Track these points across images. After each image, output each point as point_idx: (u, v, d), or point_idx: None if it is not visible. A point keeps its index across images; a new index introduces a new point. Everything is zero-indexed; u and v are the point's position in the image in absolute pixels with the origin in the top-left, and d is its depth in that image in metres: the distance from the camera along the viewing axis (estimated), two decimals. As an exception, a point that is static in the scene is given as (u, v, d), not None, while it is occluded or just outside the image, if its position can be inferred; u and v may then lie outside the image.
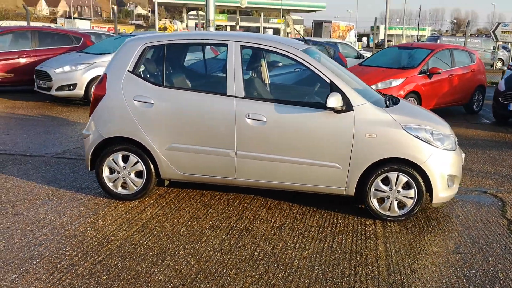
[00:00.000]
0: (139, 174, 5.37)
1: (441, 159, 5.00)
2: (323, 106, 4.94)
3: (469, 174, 6.99)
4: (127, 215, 5.03)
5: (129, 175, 5.35)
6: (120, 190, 5.41)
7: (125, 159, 5.35)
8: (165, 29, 43.71)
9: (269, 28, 68.27)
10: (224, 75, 5.23)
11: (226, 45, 5.25)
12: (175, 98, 5.20)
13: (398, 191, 5.05)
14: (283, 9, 62.90)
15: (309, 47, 5.64)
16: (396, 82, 10.92)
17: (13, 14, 36.38)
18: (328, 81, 5.05)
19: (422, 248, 4.51)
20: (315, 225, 4.97)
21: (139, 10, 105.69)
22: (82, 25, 46.06)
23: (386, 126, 4.98)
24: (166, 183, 5.57)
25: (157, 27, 43.85)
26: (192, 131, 5.17)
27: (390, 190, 5.06)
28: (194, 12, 59.55)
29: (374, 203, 5.13)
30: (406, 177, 5.01)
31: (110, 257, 4.07)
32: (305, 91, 5.99)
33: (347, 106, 4.97)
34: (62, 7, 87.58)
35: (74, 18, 57.26)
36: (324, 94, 4.99)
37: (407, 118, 5.07)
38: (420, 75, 11.30)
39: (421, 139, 4.95)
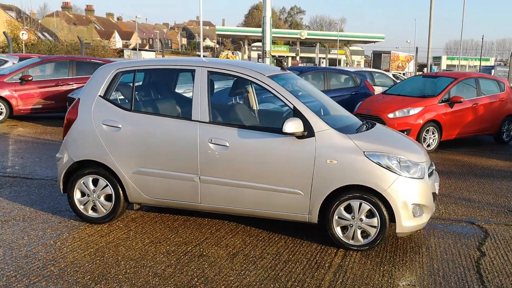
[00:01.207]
0: (108, 198, 5.37)
1: (405, 187, 4.72)
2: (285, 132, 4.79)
3: (465, 204, 6.56)
4: (89, 237, 5.02)
5: (99, 198, 5.36)
6: (90, 213, 5.42)
7: (95, 182, 5.37)
8: (227, 58, 44.54)
9: (324, 58, 68.64)
10: (191, 100, 5.19)
11: (194, 71, 5.22)
12: (142, 122, 5.21)
13: (361, 220, 4.79)
14: (344, 40, 62.98)
15: (280, 73, 5.53)
16: (414, 111, 10.56)
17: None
18: (292, 106, 4.92)
19: (371, 279, 4.23)
20: (273, 252, 4.78)
21: (208, 42, 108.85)
22: (148, 57, 47.54)
23: (347, 152, 4.77)
24: (136, 207, 5.53)
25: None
26: (158, 156, 5.15)
27: (353, 218, 4.81)
28: (257, 44, 60.93)
29: (338, 231, 4.88)
30: (369, 205, 4.75)
31: (46, 279, 4.06)
32: (270, 116, 5.85)
33: (309, 132, 4.81)
34: (134, 40, 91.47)
35: (139, 49, 59.45)
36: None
37: (371, 145, 4.84)
38: (441, 104, 10.87)
39: (383, 166, 4.70)
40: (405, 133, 9.95)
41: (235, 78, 5.43)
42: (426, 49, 24.79)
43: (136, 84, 5.42)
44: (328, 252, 4.81)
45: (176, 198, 5.21)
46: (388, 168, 4.71)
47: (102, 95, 5.37)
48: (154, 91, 5.75)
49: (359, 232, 4.83)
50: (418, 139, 10.25)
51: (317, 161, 4.79)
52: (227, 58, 47.72)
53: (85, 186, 5.37)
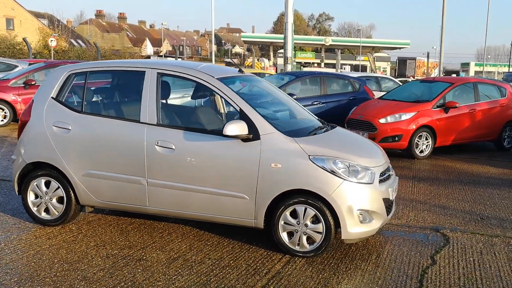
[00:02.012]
0: (60, 200, 5.29)
1: (351, 192, 4.50)
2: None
3: (438, 212, 6.27)
4: (35, 239, 4.94)
5: (51, 200, 5.29)
6: (43, 215, 5.35)
7: (48, 184, 5.29)
8: (251, 66, 44.62)
9: (346, 65, 68.06)
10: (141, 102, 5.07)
11: (143, 72, 5.10)
12: (91, 124, 5.12)
13: (306, 225, 4.59)
14: (369, 46, 62.56)
15: (232, 75, 5.39)
16: (406, 116, 10.22)
17: (110, 52, 39.65)
18: (238, 109, 4.76)
19: (305, 287, 4.02)
20: (216, 257, 4.61)
21: (237, 49, 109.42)
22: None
23: (292, 156, 4.58)
24: (89, 209, 5.41)
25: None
26: (106, 158, 5.04)
27: (298, 224, 4.61)
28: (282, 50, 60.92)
29: (284, 236, 4.69)
30: (314, 210, 4.55)
31: (-29, 280, 3.96)
32: (217, 119, 5.68)
33: (255, 135, 4.64)
34: (165, 47, 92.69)
35: (165, 56, 60.07)
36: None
37: (318, 148, 4.63)
38: (435, 109, 10.52)
39: (327, 171, 4.49)
40: (396, 138, 9.68)
41: (186, 81, 5.27)
42: (455, 55, 24.23)
43: (89, 86, 5.33)
44: (273, 258, 4.61)
45: (125, 201, 5.09)
46: (332, 172, 4.50)
47: (54, 96, 5.30)
48: (105, 93, 5.65)
49: (304, 238, 4.63)
50: (410, 144, 9.95)
51: (261, 164, 4.61)
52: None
53: (38, 188, 5.30)
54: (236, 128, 4.54)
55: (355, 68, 65.67)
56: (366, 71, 61.46)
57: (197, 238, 5.11)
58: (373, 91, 13.59)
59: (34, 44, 37.23)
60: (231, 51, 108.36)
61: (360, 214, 4.54)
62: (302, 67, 51.29)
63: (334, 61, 73.58)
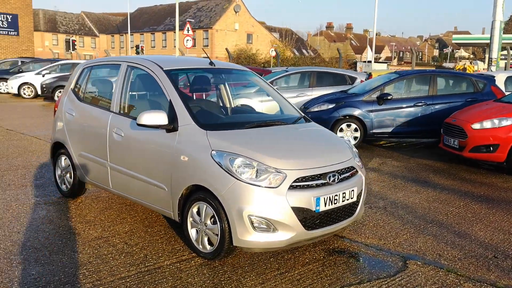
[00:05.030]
0: (70, 175, 5.79)
1: (243, 194, 3.84)
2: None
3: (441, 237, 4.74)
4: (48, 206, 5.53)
5: (65, 175, 5.83)
6: (63, 187, 5.94)
7: (65, 161, 5.84)
8: (464, 69, 39.99)
9: None
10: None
11: (120, 65, 5.23)
12: (83, 111, 5.53)
13: (206, 224, 4.10)
14: None
15: (183, 67, 5.20)
16: (508, 122, 7.66)
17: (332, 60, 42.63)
18: (168, 100, 4.52)
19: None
20: (132, 243, 4.48)
21: (462, 52, 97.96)
22: (378, 68, 46.06)
23: (198, 149, 4.17)
24: (88, 187, 5.79)
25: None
26: (89, 142, 5.38)
27: (200, 222, 4.14)
28: (503, 52, 52.34)
29: (192, 233, 4.30)
30: (211, 210, 4.02)
31: None
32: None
33: (175, 126, 4.36)
34: (385, 53, 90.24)
35: (375, 62, 58.07)
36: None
37: (225, 143, 4.09)
38: None
39: (222, 168, 3.93)
40: (491, 149, 7.49)
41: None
42: None
43: (93, 78, 5.71)
44: (178, 253, 4.25)
45: (100, 181, 5.34)
46: (228, 170, 3.90)
47: (72, 87, 5.83)
48: (98, 84, 5.92)
49: (206, 238, 4.15)
50: (510, 158, 7.53)
51: (175, 156, 4.31)
52: (464, 68, 42.31)
53: (59, 164, 5.92)
54: (151, 117, 4.33)
55: None
56: None
57: (142, 223, 5.04)
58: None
59: (264, 55, 44.82)
60: (453, 54, 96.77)
61: (256, 221, 3.82)
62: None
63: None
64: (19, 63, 24.71)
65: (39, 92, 20.22)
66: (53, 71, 21.41)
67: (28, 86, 21.02)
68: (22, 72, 22.45)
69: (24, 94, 20.96)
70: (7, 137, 10.10)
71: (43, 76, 20.91)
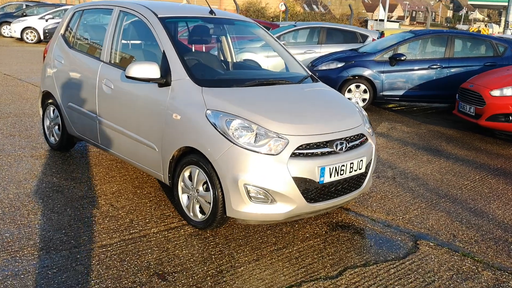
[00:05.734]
0: (59, 128, 5.34)
1: (239, 160, 3.39)
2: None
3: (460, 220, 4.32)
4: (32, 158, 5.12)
5: (54, 127, 5.39)
6: (51, 139, 5.50)
7: (54, 111, 5.37)
8: (478, 32, 38.53)
9: None
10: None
11: (112, 10, 4.67)
12: (72, 58, 5.03)
13: (197, 191, 3.67)
14: None
15: (180, 15, 4.58)
16: None
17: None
18: (162, 51, 3.99)
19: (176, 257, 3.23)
20: (119, 206, 4.08)
21: (477, 15, 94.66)
22: (390, 27, 44.70)
23: (192, 107, 3.68)
24: (76, 140, 5.35)
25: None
26: (78, 92, 4.89)
27: (192, 188, 3.71)
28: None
29: (183, 199, 3.87)
30: (204, 175, 3.58)
31: None
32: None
33: (168, 80, 3.85)
34: (397, 12, 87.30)
35: (388, 21, 56.26)
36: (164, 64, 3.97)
37: (223, 103, 3.60)
38: None
39: (218, 130, 3.45)
40: (511, 118, 6.92)
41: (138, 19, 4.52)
42: None
43: (81, 23, 5.16)
44: (167, 220, 3.85)
45: (88, 136, 4.89)
46: (224, 132, 3.43)
47: (62, 33, 5.30)
48: (90, 30, 5.38)
49: (197, 205, 3.73)
50: None
51: (167, 114, 3.83)
52: (478, 30, 40.85)
53: (48, 114, 5.46)
54: (141, 69, 3.81)
55: None
56: None
57: (127, 182, 4.64)
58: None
59: (273, 9, 42.99)
60: (467, 16, 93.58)
61: (253, 191, 3.38)
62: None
63: None
64: (24, 7, 23.89)
65: (42, 38, 19.56)
66: (57, 16, 20.58)
67: (31, 30, 20.27)
68: (25, 16, 21.70)
69: (27, 38, 20.25)
70: (2, 83, 9.60)
71: (46, 21, 20.13)
